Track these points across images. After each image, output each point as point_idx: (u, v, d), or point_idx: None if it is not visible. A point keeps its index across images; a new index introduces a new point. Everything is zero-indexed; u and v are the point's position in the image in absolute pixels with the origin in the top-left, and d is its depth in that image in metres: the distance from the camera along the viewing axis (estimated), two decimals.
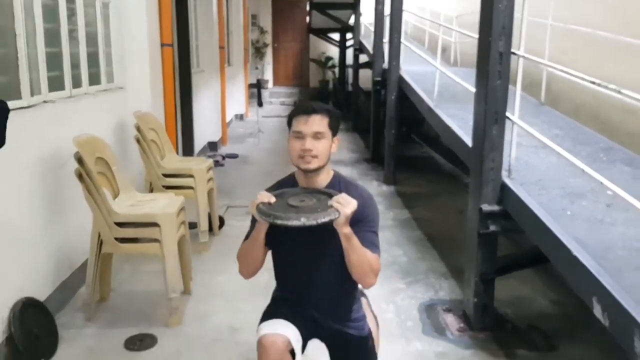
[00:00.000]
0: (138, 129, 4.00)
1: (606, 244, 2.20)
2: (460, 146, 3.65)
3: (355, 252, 1.77)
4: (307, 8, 12.50)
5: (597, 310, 1.98)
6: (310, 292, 1.96)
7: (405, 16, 6.32)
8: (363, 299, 2.13)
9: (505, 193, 2.85)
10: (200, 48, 7.32)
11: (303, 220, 1.64)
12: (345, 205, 1.69)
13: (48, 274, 3.09)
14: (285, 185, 1.95)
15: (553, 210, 2.51)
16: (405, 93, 5.79)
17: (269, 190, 1.87)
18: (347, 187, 1.90)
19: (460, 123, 3.93)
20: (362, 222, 1.82)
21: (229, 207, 5.21)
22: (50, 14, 3.27)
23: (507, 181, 2.86)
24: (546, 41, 4.35)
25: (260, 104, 11.12)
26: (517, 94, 2.90)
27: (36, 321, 2.76)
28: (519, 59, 2.86)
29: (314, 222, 1.64)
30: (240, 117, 11.21)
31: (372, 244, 1.85)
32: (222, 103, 8.54)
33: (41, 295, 2.93)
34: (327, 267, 1.91)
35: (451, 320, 3.15)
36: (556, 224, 2.36)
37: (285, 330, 1.85)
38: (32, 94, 2.97)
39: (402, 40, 5.99)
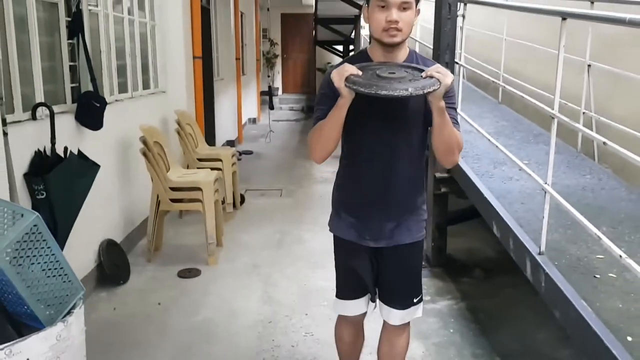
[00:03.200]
0: (178, 123, 5.14)
1: (507, 191, 3.28)
2: None
3: (447, 126, 1.74)
4: (313, 23, 13.65)
5: (495, 230, 3.05)
6: (385, 174, 1.91)
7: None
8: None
9: None
10: (220, 59, 8.46)
11: (411, 90, 1.55)
12: (445, 75, 1.62)
13: (119, 227, 4.20)
14: (360, 61, 1.80)
15: (479, 173, 3.59)
16: None
17: (344, 64, 1.74)
18: (425, 63, 1.83)
19: None
20: (445, 97, 1.72)
21: (247, 190, 6.32)
22: (119, 35, 4.40)
23: None
24: (502, 52, 5.43)
25: (271, 107, 12.24)
26: (459, 93, 3.98)
27: (116, 255, 3.87)
28: (460, 67, 3.95)
29: (420, 92, 1.56)
30: (253, 121, 12.35)
31: (455, 121, 1.82)
32: (239, 107, 9.68)
33: (117, 239, 4.05)
34: (404, 148, 1.88)
35: None
36: (479, 180, 3.45)
37: (359, 309, 2.15)
38: (110, 95, 4.10)
39: None
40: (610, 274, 2.34)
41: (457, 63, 3.92)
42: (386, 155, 1.89)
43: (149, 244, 4.23)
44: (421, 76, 1.62)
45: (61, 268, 1.81)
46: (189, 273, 3.98)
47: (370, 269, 2.08)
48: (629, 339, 1.92)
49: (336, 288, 2.19)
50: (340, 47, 14.22)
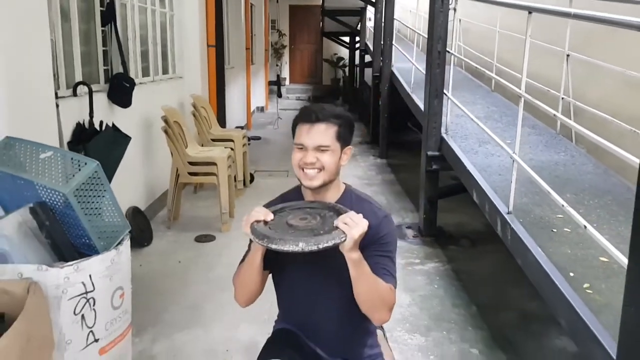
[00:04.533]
0: (194, 106, 5.59)
1: (488, 165, 3.71)
2: (418, 113, 5.19)
3: (365, 281, 1.50)
4: (320, 14, 14.03)
5: (475, 197, 3.49)
6: (317, 324, 1.70)
7: (406, 21, 7.84)
8: (379, 331, 1.87)
9: (442, 143, 4.36)
10: (231, 48, 8.89)
11: (301, 246, 1.38)
12: (353, 226, 1.40)
13: (143, 196, 4.66)
14: (289, 199, 1.70)
15: (466, 150, 4.02)
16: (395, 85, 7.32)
17: (269, 205, 1.65)
18: (360, 204, 1.64)
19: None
20: (376, 244, 1.57)
21: (256, 171, 6.77)
22: (143, 23, 4.84)
23: (444, 135, 4.37)
24: (495, 43, 5.84)
25: (279, 95, 12.69)
26: (450, 80, 4.40)
27: (141, 220, 4.33)
28: (452, 57, 4.37)
29: (314, 248, 1.38)
30: (261, 109, 12.79)
31: (385, 272, 1.57)
32: (248, 95, 10.13)
33: (141, 207, 4.51)
34: (336, 295, 1.63)
35: (409, 232, 4.67)
36: (464, 155, 3.88)
37: None
38: (135, 78, 4.55)
39: (394, 42, 7.52)
40: (566, 229, 2.77)
41: (448, 52, 4.34)
42: (315, 304, 1.69)
43: (169, 213, 4.69)
44: (334, 225, 1.44)
45: (113, 208, 2.26)
46: (204, 238, 4.44)
47: None
48: (571, 274, 2.35)
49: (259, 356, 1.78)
50: (346, 39, 14.60)
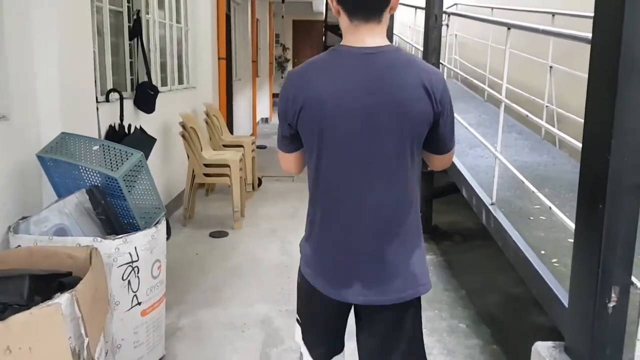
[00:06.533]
0: (207, 113, 6.01)
1: (476, 165, 4.12)
2: None
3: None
4: (323, 29, 14.54)
5: (464, 193, 3.88)
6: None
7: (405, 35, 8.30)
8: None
9: None
10: (239, 61, 9.35)
11: None
12: None
13: (161, 197, 5.05)
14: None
15: (457, 153, 4.41)
16: None
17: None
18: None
19: None
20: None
21: (263, 176, 7.18)
22: (162, 37, 5.28)
23: None
24: (487, 56, 6.28)
25: None
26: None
27: None
28: (445, 67, 4.80)
29: None
30: (266, 120, 13.24)
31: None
32: (254, 106, 10.57)
33: None
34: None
35: None
36: (456, 158, 4.28)
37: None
38: None
39: None
40: (542, 217, 3.17)
41: (441, 64, 4.77)
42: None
43: (185, 211, 5.09)
44: None
45: (152, 193, 2.66)
46: (218, 234, 4.83)
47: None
48: (542, 252, 2.75)
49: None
50: None
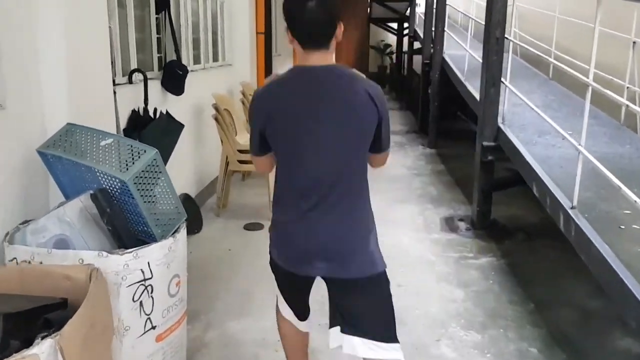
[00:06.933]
0: (243, 93, 5.59)
1: (548, 156, 3.56)
2: (473, 102, 5.03)
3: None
4: (369, 0, 13.85)
5: (535, 190, 3.35)
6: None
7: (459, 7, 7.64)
8: None
9: (499, 133, 4.21)
10: (279, 36, 8.85)
11: None
12: None
13: (193, 184, 4.71)
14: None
15: (525, 142, 3.87)
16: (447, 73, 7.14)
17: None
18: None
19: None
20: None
21: None
22: (194, 11, 4.85)
23: (501, 126, 4.22)
24: (554, 29, 5.61)
25: None
26: (508, 69, 4.24)
27: (191, 207, 4.36)
28: (510, 43, 4.21)
29: None
30: None
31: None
32: None
33: (191, 195, 4.55)
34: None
35: (462, 225, 4.55)
36: (523, 147, 3.73)
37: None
38: (187, 65, 4.56)
39: (446, 28, 7.32)
40: (635, 226, 2.63)
41: (507, 38, 4.18)
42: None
43: (218, 200, 4.71)
44: None
45: (170, 196, 2.26)
46: (253, 227, 4.44)
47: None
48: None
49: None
50: (394, 25, 14.38)
